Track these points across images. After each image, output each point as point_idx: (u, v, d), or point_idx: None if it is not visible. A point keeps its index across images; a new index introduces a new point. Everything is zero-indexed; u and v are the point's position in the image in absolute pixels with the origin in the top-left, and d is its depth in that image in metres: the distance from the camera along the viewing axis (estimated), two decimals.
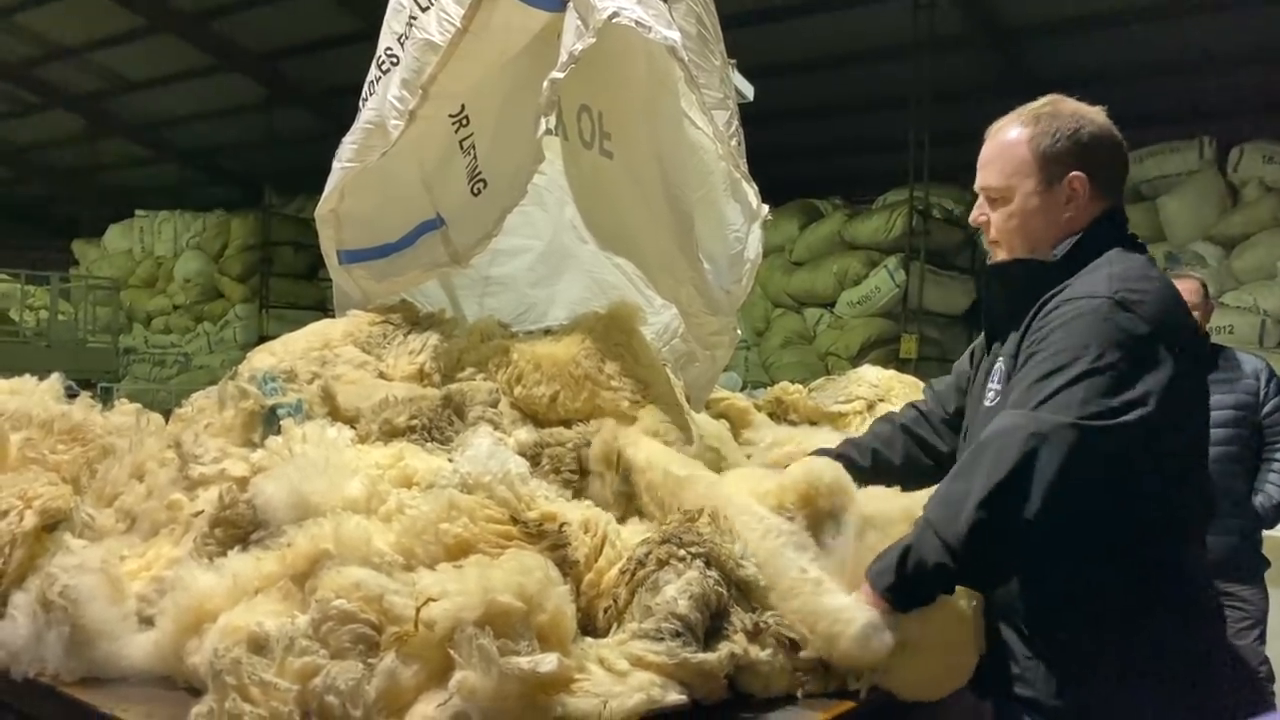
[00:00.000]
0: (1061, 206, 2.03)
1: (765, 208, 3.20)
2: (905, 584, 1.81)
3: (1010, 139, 2.06)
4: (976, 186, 2.13)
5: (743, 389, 7.18)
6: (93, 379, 11.47)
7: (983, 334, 2.28)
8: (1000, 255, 2.13)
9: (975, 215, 2.15)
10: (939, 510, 1.83)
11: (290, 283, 14.56)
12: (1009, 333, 2.05)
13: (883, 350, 9.64)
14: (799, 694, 1.78)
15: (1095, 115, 2.07)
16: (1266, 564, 4.15)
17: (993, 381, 2.06)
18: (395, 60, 2.89)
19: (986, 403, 2.06)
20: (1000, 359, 2.06)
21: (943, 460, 2.32)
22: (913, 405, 2.55)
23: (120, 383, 13.35)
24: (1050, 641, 1.92)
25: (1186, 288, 3.63)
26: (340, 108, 3.01)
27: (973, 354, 2.35)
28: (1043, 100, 2.10)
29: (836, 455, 2.33)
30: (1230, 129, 8.51)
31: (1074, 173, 2.02)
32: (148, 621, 1.77)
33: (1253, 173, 8.42)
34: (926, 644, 1.84)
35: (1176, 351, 1.85)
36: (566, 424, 2.58)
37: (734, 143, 3.14)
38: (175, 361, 14.91)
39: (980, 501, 1.75)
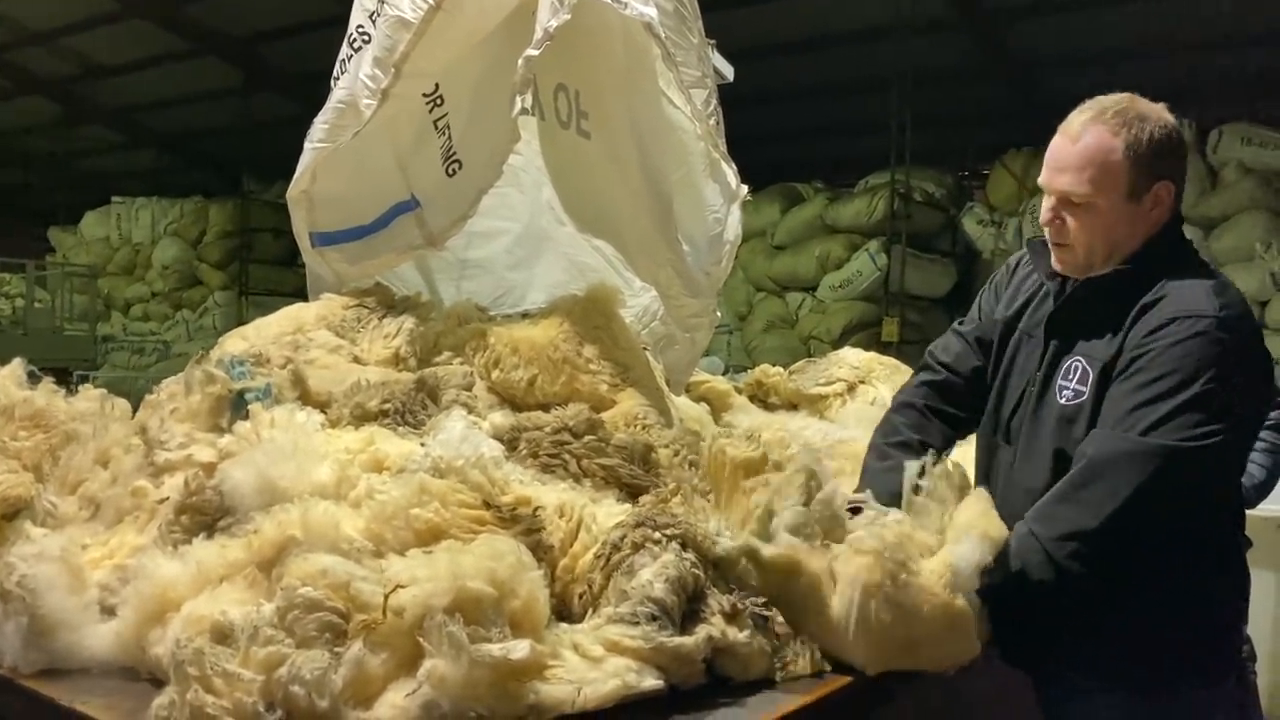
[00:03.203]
0: (1146, 215, 2.01)
1: (744, 188, 3.16)
2: (1000, 588, 1.89)
3: (1103, 145, 1.96)
4: (1052, 188, 2.04)
5: (725, 373, 7.16)
6: (70, 367, 11.35)
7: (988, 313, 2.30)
8: (1071, 259, 2.07)
9: (1048, 217, 2.06)
10: (1049, 529, 1.89)
11: (270, 269, 14.42)
12: (1085, 332, 2.04)
13: (864, 333, 9.64)
14: (778, 677, 1.75)
15: (1169, 118, 2.03)
16: (1248, 543, 4.15)
17: (1068, 380, 2.04)
18: (367, 38, 2.83)
19: (1063, 400, 2.04)
20: (1079, 358, 2.03)
21: (960, 425, 2.35)
22: (923, 383, 2.44)
23: (98, 371, 13.21)
24: (1116, 609, 1.97)
25: None
26: (319, 92, 2.95)
27: (1003, 326, 2.29)
28: (1117, 99, 2.02)
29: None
30: (1209, 111, 8.51)
31: (1162, 181, 2.00)
32: (109, 611, 1.73)
33: (1231, 154, 8.44)
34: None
35: (1262, 363, 1.96)
36: (545, 408, 2.55)
37: (713, 122, 3.10)
38: (154, 349, 14.75)
39: (1098, 529, 1.84)
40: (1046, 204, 2.08)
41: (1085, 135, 1.99)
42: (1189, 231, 8.83)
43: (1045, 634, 2.05)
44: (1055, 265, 2.11)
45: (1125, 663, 1.98)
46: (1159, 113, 2.02)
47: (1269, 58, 8.34)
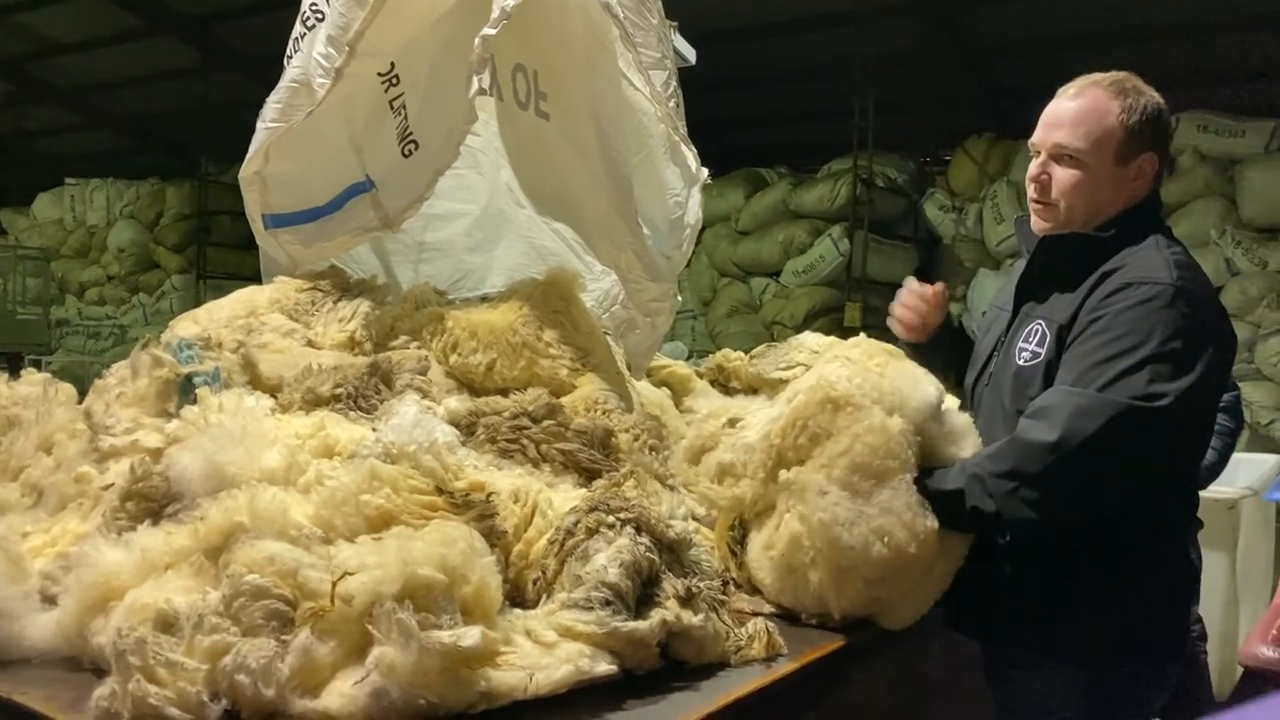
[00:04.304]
0: (1129, 183, 2.07)
1: (705, 171, 3.15)
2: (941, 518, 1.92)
3: (1100, 106, 2.04)
4: (1046, 144, 2.09)
5: (689, 358, 7.16)
6: (23, 352, 11.13)
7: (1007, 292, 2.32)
8: (1053, 217, 2.11)
9: (1037, 172, 2.11)
10: (994, 466, 1.92)
11: (228, 253, 14.16)
12: (1050, 296, 2.09)
13: (827, 319, 9.65)
14: (732, 660, 1.75)
15: (1160, 99, 2.11)
16: (1199, 524, 4.22)
17: (1028, 341, 2.09)
18: (321, 15, 2.78)
19: (1020, 361, 2.09)
20: (1039, 321, 2.08)
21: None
22: None
23: (52, 356, 12.96)
24: (1060, 585, 2.01)
25: None
26: (278, 73, 2.89)
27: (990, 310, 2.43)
28: (1116, 74, 2.10)
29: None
30: (1166, 98, 8.58)
31: (1148, 153, 2.06)
32: (51, 600, 1.68)
33: (1188, 141, 8.53)
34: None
35: (1219, 338, 1.96)
36: (504, 392, 2.52)
37: (673, 104, 3.08)
38: (110, 334, 14.49)
39: (1040, 474, 1.86)
40: (1036, 162, 2.13)
41: (1083, 96, 2.07)
42: None
43: (992, 605, 2.07)
44: (1034, 225, 2.15)
45: (1068, 637, 2.01)
46: (1152, 91, 2.10)
47: (1225, 45, 8.43)
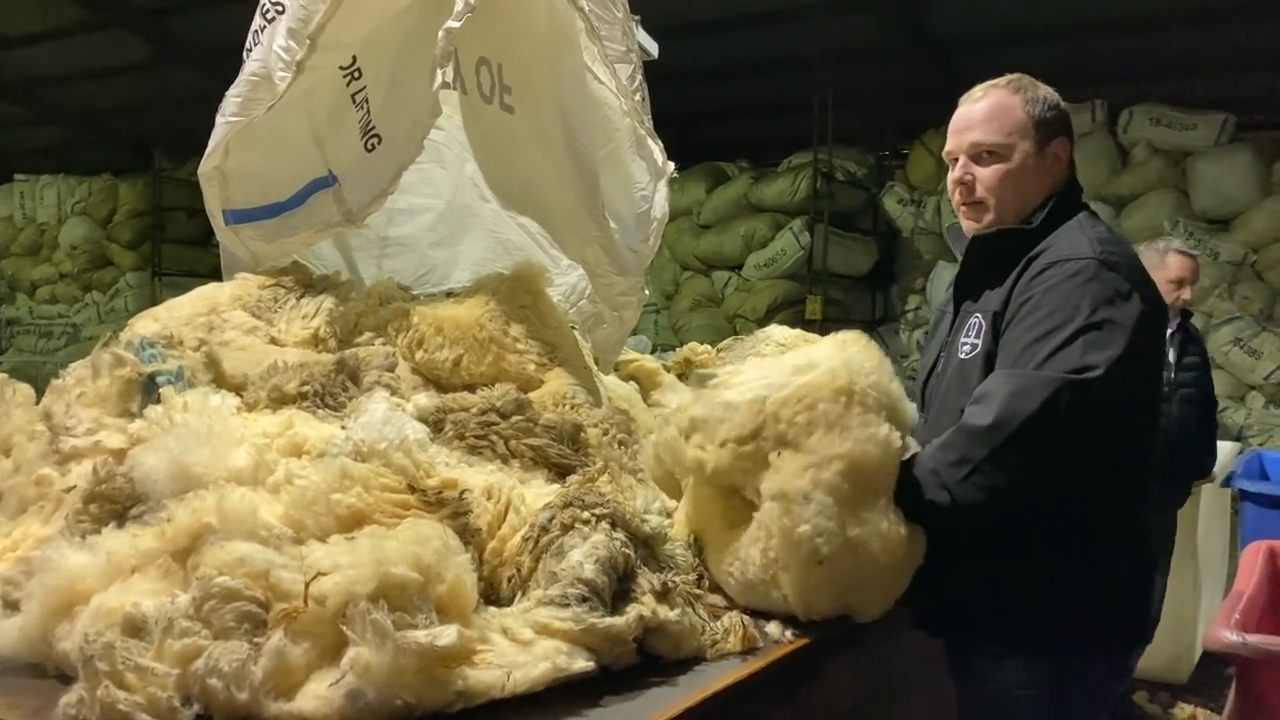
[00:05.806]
0: (1048, 169, 2.13)
1: (671, 164, 3.15)
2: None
3: (1004, 102, 2.12)
4: (963, 146, 2.14)
5: (652, 352, 7.17)
6: None
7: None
8: (983, 218, 2.15)
9: (960, 175, 2.15)
10: (944, 456, 1.92)
11: (184, 249, 13.95)
12: (983, 291, 2.14)
13: (789, 312, 9.70)
14: (709, 655, 1.75)
15: (1054, 92, 2.18)
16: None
17: (968, 335, 2.12)
18: (281, 8, 2.73)
19: (962, 355, 2.12)
20: (976, 314, 2.12)
21: None
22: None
23: (3, 356, 12.70)
24: (1008, 577, 2.03)
25: (1186, 264, 4.33)
26: (234, 67, 2.84)
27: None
28: (1010, 76, 2.18)
29: None
30: (1120, 92, 8.71)
31: (1059, 138, 2.13)
32: (13, 606, 1.65)
33: (1141, 134, 8.65)
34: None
35: (1148, 305, 1.98)
36: (471, 388, 2.51)
37: (638, 98, 3.08)
38: (63, 333, 14.22)
39: (989, 458, 1.87)
40: (956, 167, 2.17)
41: (986, 97, 2.15)
42: (1101, 209, 9.11)
43: (955, 600, 2.09)
44: (966, 229, 2.19)
45: (1029, 627, 2.03)
46: (1046, 86, 2.18)
47: (1177, 39, 8.56)
